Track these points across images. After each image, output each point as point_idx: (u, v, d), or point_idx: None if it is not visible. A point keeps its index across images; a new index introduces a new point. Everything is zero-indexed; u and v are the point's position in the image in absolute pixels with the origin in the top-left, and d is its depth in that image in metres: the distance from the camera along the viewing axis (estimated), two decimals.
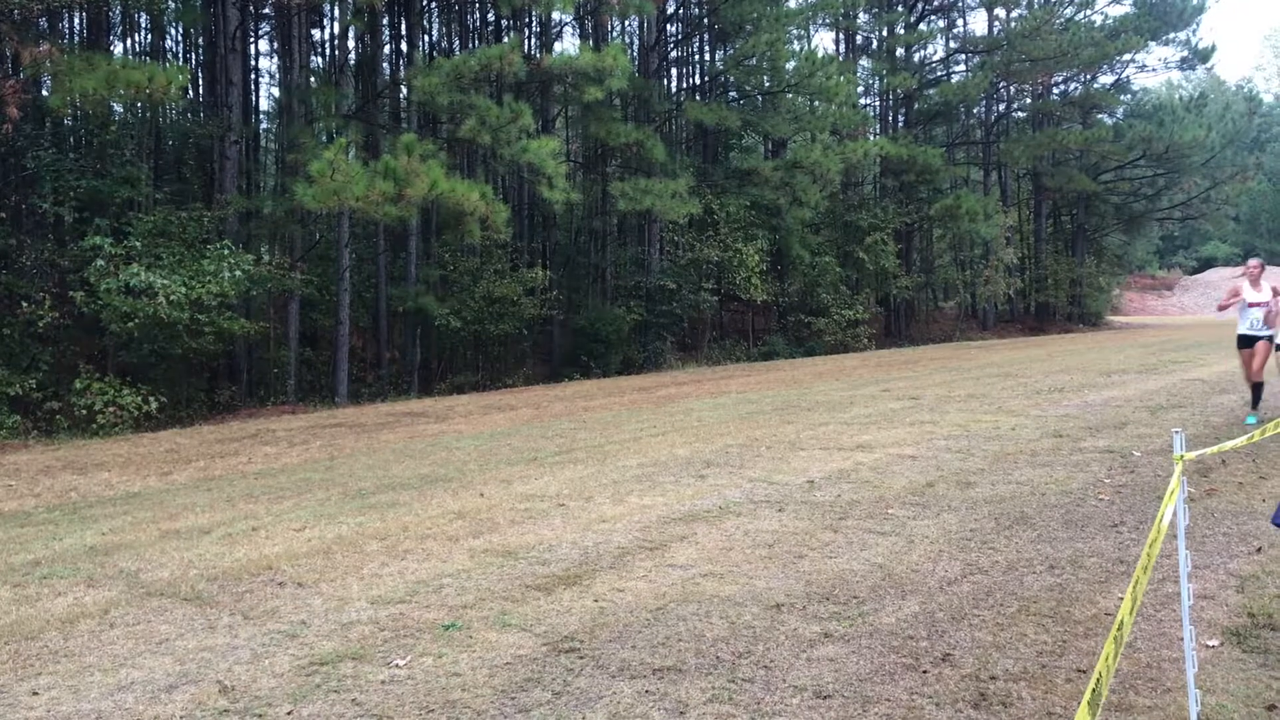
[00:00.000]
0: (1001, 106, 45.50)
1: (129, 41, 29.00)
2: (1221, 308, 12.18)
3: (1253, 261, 11.89)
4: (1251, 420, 11.18)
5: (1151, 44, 42.45)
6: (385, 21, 27.80)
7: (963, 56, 43.53)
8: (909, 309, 40.80)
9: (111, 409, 16.66)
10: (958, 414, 12.83)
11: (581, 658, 4.62)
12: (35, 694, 4.43)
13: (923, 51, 43.75)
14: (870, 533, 6.81)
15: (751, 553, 6.38)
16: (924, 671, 4.35)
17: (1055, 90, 44.75)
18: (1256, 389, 11.69)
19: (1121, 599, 5.05)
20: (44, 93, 19.08)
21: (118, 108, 22.26)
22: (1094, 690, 2.15)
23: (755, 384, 19.88)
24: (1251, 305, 11.55)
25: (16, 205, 19.34)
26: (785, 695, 4.13)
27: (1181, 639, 3.39)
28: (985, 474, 8.68)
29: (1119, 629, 2.45)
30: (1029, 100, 45.38)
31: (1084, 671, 4.28)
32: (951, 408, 13.60)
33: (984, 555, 6.08)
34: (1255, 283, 11.59)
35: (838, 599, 5.38)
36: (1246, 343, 11.67)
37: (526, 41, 30.98)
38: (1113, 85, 46.26)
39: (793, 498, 8.03)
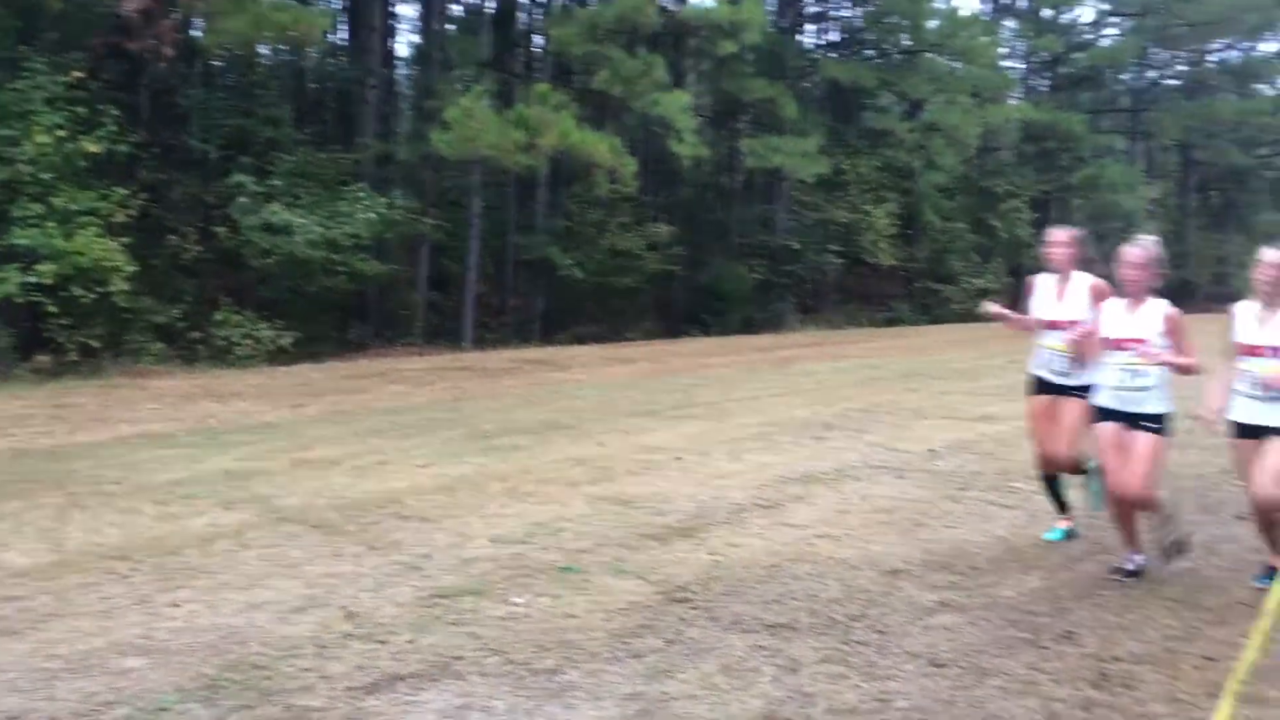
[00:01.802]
0: (1153, 73, 43.37)
1: None
2: (997, 317, 6.14)
3: (1059, 234, 5.95)
4: (1055, 535, 5.94)
5: None
6: None
7: (1115, 19, 41.54)
8: None
9: (249, 341, 17.31)
10: None
11: (695, 608, 4.66)
12: (175, 605, 4.68)
13: (1071, 13, 41.85)
14: (993, 505, 6.69)
15: (869, 517, 6.33)
16: (1044, 647, 4.27)
17: (1211, 58, 42.40)
18: (1052, 482, 6.02)
19: (1258, 590, 4.85)
20: (196, 33, 19.72)
21: (264, 50, 22.84)
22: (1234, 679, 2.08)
23: (879, 349, 19.59)
24: (1054, 326, 5.77)
25: (167, 141, 20.09)
26: (899, 661, 4.10)
27: None
28: None
29: (1266, 620, 2.36)
30: (1182, 68, 43.12)
31: (1212, 659, 4.13)
32: None
33: (1111, 534, 5.89)
34: (1063, 279, 5.81)
35: (956, 569, 5.30)
36: (1044, 388, 5.86)
37: None
38: (1276, 54, 43.59)
39: (913, 465, 7.93)
